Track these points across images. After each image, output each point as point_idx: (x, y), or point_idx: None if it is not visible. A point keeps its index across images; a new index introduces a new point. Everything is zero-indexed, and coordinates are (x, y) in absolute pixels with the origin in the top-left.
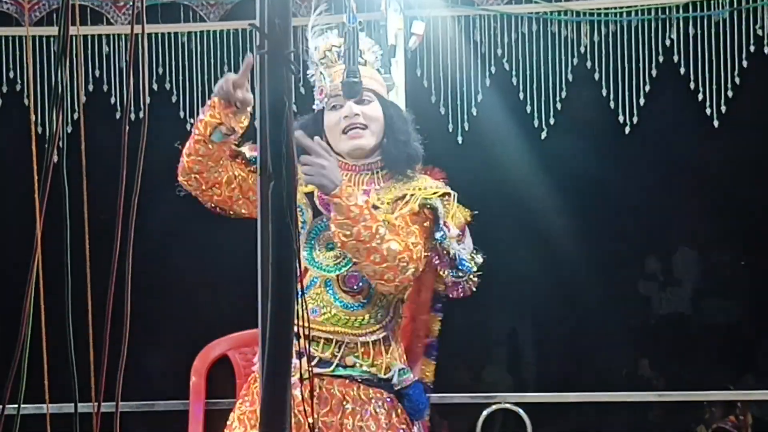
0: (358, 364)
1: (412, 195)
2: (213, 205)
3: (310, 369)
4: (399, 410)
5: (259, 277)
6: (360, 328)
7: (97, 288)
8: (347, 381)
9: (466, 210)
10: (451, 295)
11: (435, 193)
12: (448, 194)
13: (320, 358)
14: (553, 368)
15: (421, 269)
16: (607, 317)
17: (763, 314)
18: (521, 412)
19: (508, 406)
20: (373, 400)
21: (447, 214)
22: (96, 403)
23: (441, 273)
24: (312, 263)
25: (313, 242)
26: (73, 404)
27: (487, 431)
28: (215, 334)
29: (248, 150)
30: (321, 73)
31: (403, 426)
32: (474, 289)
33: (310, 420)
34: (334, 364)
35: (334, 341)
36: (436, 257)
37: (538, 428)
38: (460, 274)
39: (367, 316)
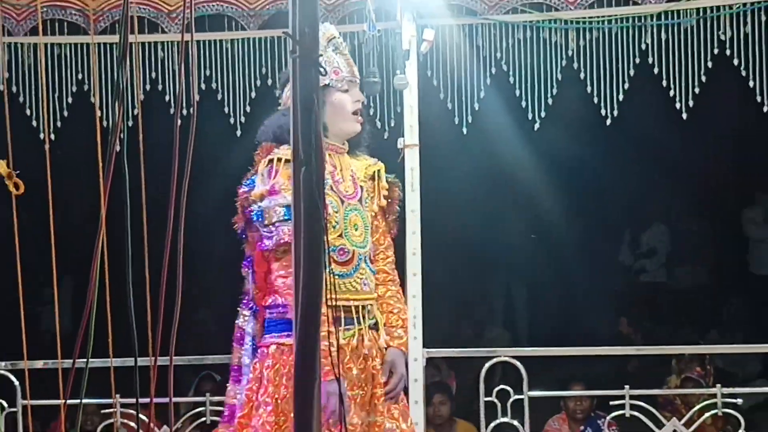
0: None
1: (378, 170)
2: None
3: (334, 330)
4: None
5: (293, 248)
6: (375, 287)
7: (153, 260)
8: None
9: None
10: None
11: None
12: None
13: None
14: (545, 326)
15: None
16: (591, 282)
17: (726, 278)
18: (518, 363)
19: (506, 359)
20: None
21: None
22: (153, 357)
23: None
24: (355, 245)
25: (347, 227)
26: (133, 358)
27: (489, 380)
28: None
29: (262, 164)
30: (334, 57)
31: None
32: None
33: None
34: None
35: (370, 308)
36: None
37: (532, 378)
38: None
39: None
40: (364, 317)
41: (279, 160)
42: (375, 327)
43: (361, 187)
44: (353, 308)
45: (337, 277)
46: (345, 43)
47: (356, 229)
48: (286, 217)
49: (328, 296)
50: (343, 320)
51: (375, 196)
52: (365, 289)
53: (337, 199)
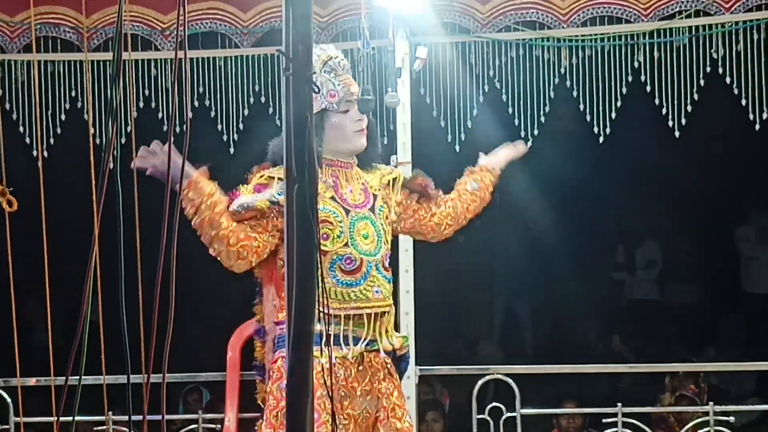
0: (385, 339)
1: (394, 179)
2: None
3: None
4: (394, 370)
5: (286, 265)
6: (390, 297)
7: (146, 276)
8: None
9: None
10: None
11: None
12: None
13: (367, 338)
14: (538, 344)
15: None
16: (584, 300)
17: (718, 296)
18: (511, 381)
19: (499, 376)
20: (388, 365)
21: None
22: (146, 375)
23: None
24: (363, 254)
25: (353, 236)
26: (126, 375)
27: (482, 398)
28: (249, 314)
29: (257, 177)
30: (329, 80)
31: (397, 382)
32: None
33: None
34: (377, 343)
35: (378, 316)
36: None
37: (525, 395)
38: None
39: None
40: (377, 327)
41: (271, 177)
42: (375, 344)
43: (375, 195)
44: (365, 316)
45: (344, 286)
46: (345, 62)
47: (366, 237)
48: (274, 199)
49: (322, 310)
50: (351, 339)
51: (390, 202)
52: (377, 296)
53: (340, 209)
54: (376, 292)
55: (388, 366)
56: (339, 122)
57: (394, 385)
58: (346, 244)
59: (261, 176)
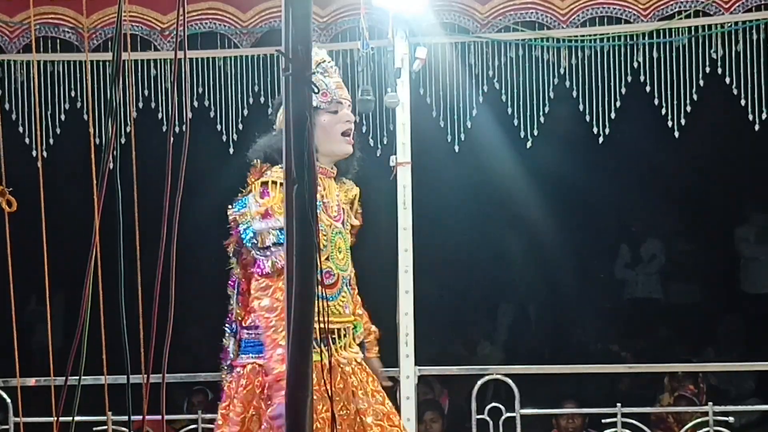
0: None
1: (356, 195)
2: None
3: (329, 346)
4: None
5: (286, 263)
6: (353, 315)
7: (145, 277)
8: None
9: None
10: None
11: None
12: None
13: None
14: (537, 344)
15: None
16: (584, 300)
17: (717, 296)
18: (510, 381)
19: (498, 376)
20: (364, 365)
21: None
22: (145, 375)
23: None
24: (339, 269)
25: (332, 250)
26: (125, 376)
27: (481, 398)
28: None
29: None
30: (322, 80)
31: (367, 369)
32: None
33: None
34: (351, 347)
35: (347, 328)
36: None
37: (524, 396)
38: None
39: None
40: (341, 338)
41: (273, 183)
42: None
43: (343, 209)
44: (335, 330)
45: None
46: (336, 67)
47: (340, 252)
48: (281, 240)
49: (320, 316)
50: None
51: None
52: (346, 312)
53: (326, 222)
54: (346, 307)
55: (355, 360)
56: (328, 121)
57: (366, 373)
58: (327, 258)
59: (261, 185)
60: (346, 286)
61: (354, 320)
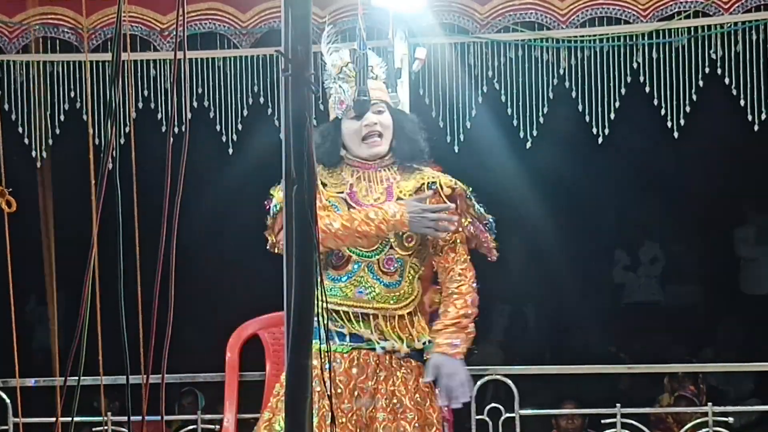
0: (392, 340)
1: (432, 182)
2: None
3: (328, 345)
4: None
5: (285, 265)
6: (398, 302)
7: (144, 277)
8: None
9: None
10: (490, 258)
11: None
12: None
13: (356, 333)
14: (537, 345)
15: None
16: (583, 300)
17: (717, 297)
18: (510, 382)
19: (498, 377)
20: (402, 368)
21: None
22: (144, 375)
23: (482, 239)
24: (353, 252)
25: None
26: (124, 376)
27: (481, 398)
28: (247, 315)
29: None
30: (340, 86)
31: (427, 389)
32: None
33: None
34: (374, 341)
35: (370, 317)
36: (479, 225)
37: (524, 396)
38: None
39: (402, 292)
40: (371, 327)
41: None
42: (371, 344)
43: (400, 198)
44: (342, 313)
45: (330, 280)
46: (353, 64)
47: None
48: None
49: (320, 314)
50: (336, 336)
51: None
52: (359, 296)
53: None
54: (359, 292)
55: (400, 364)
56: (348, 128)
57: (406, 388)
58: None
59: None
60: (368, 270)
61: (379, 306)
